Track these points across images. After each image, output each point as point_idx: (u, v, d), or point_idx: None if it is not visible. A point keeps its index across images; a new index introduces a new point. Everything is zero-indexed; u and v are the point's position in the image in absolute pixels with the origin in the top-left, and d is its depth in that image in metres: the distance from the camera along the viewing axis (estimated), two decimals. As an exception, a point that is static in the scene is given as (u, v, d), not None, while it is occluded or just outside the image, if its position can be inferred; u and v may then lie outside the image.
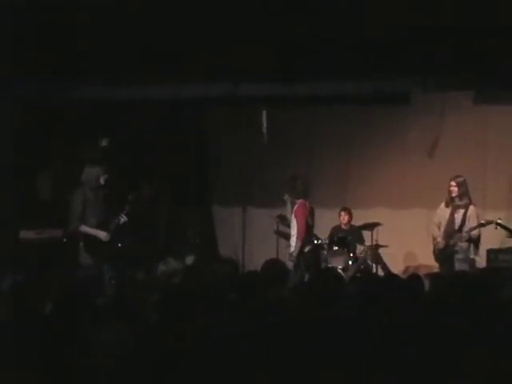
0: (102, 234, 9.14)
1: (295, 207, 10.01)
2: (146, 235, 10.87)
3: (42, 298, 5.25)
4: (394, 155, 11.91)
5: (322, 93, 9.72)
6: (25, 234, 10.26)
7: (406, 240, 11.31)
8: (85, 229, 9.13)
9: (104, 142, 11.27)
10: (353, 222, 11.11)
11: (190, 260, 11.25)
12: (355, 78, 9.32)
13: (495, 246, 10.79)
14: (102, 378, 4.48)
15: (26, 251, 9.96)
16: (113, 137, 11.25)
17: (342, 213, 11.11)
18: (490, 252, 10.56)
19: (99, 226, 9.17)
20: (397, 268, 10.44)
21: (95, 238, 9.13)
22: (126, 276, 7.39)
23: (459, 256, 9.76)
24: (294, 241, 9.96)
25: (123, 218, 9.24)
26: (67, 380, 4.45)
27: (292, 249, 9.94)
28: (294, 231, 9.99)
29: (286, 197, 10.19)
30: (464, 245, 9.80)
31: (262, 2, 9.10)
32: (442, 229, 9.97)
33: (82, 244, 9.14)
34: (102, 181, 9.17)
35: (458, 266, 9.65)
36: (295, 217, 9.97)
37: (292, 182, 10.09)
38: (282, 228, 10.98)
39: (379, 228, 10.98)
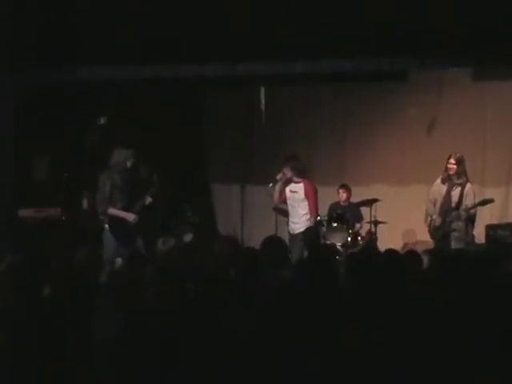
0: (131, 217, 9.13)
1: (303, 186, 10.11)
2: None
3: (41, 278, 5.25)
4: (393, 132, 11.93)
5: (320, 71, 9.69)
6: (23, 213, 10.28)
7: (404, 216, 11.33)
8: (112, 211, 9.09)
9: (102, 121, 11.29)
10: (352, 199, 11.13)
11: (188, 238, 11.27)
12: (353, 56, 9.30)
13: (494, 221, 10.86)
14: (101, 360, 4.49)
15: (24, 230, 10.00)
16: (111, 118, 11.27)
17: (341, 190, 11.11)
18: (488, 227, 10.60)
19: (124, 208, 9.14)
20: (395, 244, 10.44)
21: (121, 220, 9.12)
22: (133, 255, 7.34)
23: (456, 234, 9.74)
24: (307, 219, 10.06)
25: (148, 199, 9.28)
26: (68, 363, 4.46)
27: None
28: (304, 210, 10.10)
29: (280, 176, 10.20)
30: (461, 223, 9.77)
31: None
32: (438, 206, 9.93)
33: (107, 226, 9.11)
34: (129, 164, 9.15)
35: (455, 244, 9.63)
36: (306, 196, 10.09)
37: (294, 162, 10.14)
38: (281, 205, 10.99)
39: (378, 204, 11.00)
